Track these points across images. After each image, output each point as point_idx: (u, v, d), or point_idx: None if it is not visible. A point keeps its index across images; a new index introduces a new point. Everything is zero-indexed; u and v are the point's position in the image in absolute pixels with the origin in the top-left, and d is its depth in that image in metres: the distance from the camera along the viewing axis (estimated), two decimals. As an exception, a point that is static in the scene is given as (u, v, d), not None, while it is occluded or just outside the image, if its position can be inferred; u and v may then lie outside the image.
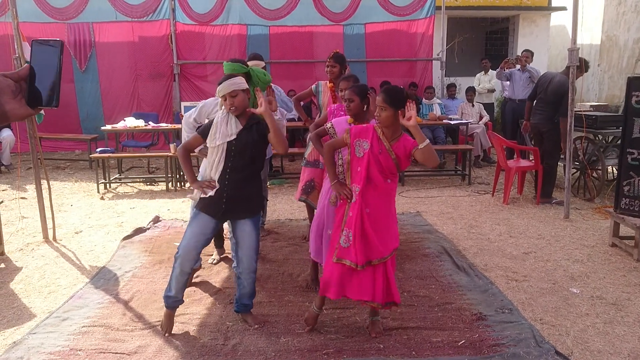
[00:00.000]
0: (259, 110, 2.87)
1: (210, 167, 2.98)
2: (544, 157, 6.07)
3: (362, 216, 2.86)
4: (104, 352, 2.88)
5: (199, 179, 3.25)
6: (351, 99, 3.27)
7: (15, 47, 4.54)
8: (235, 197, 3.00)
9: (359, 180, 2.88)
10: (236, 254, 3.13)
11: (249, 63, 4.14)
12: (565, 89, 5.46)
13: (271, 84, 4.49)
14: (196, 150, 3.22)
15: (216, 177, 2.96)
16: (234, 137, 2.93)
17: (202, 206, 3.04)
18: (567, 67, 5.39)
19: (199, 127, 3.56)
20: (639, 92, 4.24)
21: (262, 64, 4.45)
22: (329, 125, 3.48)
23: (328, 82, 4.46)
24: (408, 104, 2.76)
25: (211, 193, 2.97)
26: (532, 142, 6.48)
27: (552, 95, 5.85)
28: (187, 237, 3.03)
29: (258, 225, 3.15)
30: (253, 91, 3.14)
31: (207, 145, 2.98)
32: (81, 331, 3.12)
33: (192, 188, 3.07)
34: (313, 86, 4.66)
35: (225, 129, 2.93)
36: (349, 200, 2.93)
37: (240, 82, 2.95)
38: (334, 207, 3.31)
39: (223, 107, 2.99)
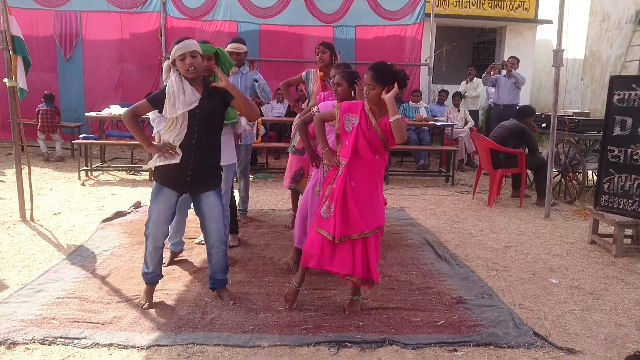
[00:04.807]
0: (221, 84, 2.80)
1: (173, 140, 2.83)
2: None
3: (346, 189, 2.86)
4: (78, 322, 2.82)
5: None
6: (339, 83, 3.28)
7: (2, 20, 4.46)
8: (201, 169, 2.92)
9: (345, 154, 2.89)
10: (204, 229, 3.06)
11: (229, 46, 4.24)
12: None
13: (254, 72, 4.58)
14: (154, 133, 3.12)
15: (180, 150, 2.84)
16: (196, 104, 2.81)
17: (166, 180, 2.93)
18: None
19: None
20: (621, 90, 4.33)
21: (243, 48, 4.35)
22: (315, 109, 3.49)
23: (318, 70, 4.46)
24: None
25: (176, 160, 2.84)
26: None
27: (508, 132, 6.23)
28: (153, 214, 2.96)
29: (221, 196, 3.10)
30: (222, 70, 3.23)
31: (166, 116, 2.82)
32: (55, 302, 3.05)
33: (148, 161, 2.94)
34: (303, 73, 4.66)
35: (184, 98, 2.78)
36: (338, 169, 2.93)
37: (197, 45, 2.85)
38: (317, 196, 3.33)
39: (172, 78, 2.81)
